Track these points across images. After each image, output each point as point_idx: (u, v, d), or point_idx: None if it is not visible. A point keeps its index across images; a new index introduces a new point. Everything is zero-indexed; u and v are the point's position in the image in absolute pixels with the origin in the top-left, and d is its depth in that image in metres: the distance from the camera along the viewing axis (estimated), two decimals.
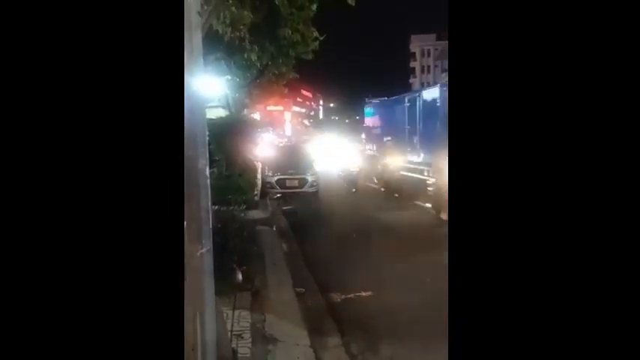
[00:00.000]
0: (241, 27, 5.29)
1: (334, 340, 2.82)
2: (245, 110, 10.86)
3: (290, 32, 8.34)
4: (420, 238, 5.79)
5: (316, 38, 9.41)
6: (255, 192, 8.15)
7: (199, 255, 1.86)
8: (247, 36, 5.53)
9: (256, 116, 13.07)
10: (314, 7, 7.41)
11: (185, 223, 1.85)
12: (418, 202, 8.10)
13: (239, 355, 2.38)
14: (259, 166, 9.56)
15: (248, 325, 2.83)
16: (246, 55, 7.35)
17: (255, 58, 8.17)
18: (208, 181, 1.89)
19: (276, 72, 10.37)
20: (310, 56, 9.75)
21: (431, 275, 4.14)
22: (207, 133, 1.94)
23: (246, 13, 5.04)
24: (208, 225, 1.91)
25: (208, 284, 1.93)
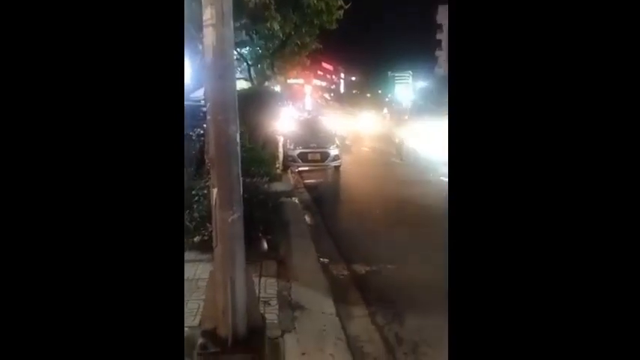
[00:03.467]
0: None
1: (360, 310, 2.83)
2: (267, 82, 10.74)
3: (315, 0, 8.05)
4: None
5: (341, 7, 9.09)
6: (277, 165, 8.18)
7: (230, 221, 1.87)
8: (272, 2, 5.38)
9: (277, 89, 12.95)
10: None
11: (215, 189, 1.86)
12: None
13: (267, 321, 2.42)
14: (281, 139, 9.54)
15: (274, 292, 2.88)
16: (269, 24, 7.19)
17: (278, 27, 7.97)
18: (239, 148, 1.87)
19: (299, 42, 10.13)
20: (334, 25, 9.46)
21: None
22: None
23: None
24: (239, 191, 1.90)
25: (239, 250, 1.94)
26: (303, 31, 9.00)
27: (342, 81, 63.49)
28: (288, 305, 2.71)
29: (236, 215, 1.90)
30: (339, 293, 3.07)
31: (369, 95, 58.21)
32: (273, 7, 5.02)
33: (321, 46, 10.09)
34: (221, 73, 1.74)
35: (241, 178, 1.93)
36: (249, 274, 2.05)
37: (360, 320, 2.71)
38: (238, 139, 1.87)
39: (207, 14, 1.68)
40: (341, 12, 8.54)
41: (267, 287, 2.93)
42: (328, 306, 2.81)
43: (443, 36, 49.46)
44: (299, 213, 5.58)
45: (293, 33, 9.08)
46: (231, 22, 1.75)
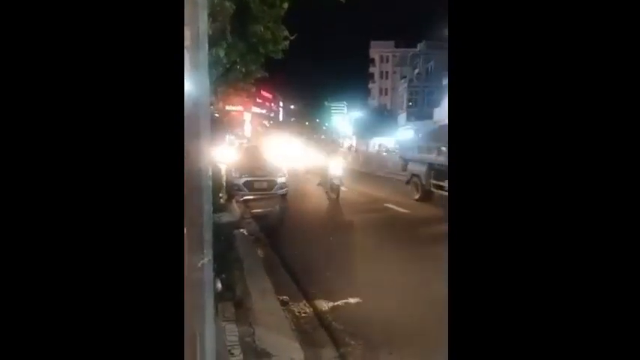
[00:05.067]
0: (220, 19, 4.99)
1: (329, 352, 2.66)
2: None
3: (261, 30, 8.09)
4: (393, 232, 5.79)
5: (287, 37, 9.25)
6: (221, 194, 7.82)
7: (200, 266, 1.64)
8: (229, 27, 5.25)
9: (216, 115, 12.61)
10: (285, 5, 7.26)
11: (185, 229, 1.63)
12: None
13: None
14: (223, 167, 9.20)
15: (236, 338, 2.60)
16: (214, 51, 7.02)
17: (224, 54, 7.84)
18: (210, 182, 1.68)
19: (243, 70, 10.08)
20: (280, 55, 9.57)
21: (415, 276, 4.12)
22: None
23: (228, 4, 4.78)
24: (209, 232, 1.69)
25: (209, 299, 1.71)
26: (249, 59, 8.97)
27: (280, 109, 64.17)
28: (254, 353, 2.45)
29: (206, 259, 1.67)
30: (305, 334, 2.87)
31: (307, 123, 59.37)
32: (228, 33, 4.90)
33: (267, 75, 10.12)
34: (195, 100, 1.57)
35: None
36: (218, 325, 1.81)
37: None
38: (210, 173, 1.67)
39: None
40: (287, 42, 8.69)
41: (228, 333, 2.65)
42: (295, 350, 2.60)
43: (375, 69, 52.61)
44: (250, 246, 5.30)
45: (238, 60, 9.01)
46: (206, 46, 1.59)
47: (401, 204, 8.80)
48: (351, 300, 3.53)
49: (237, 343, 2.54)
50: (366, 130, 39.58)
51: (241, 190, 8.69)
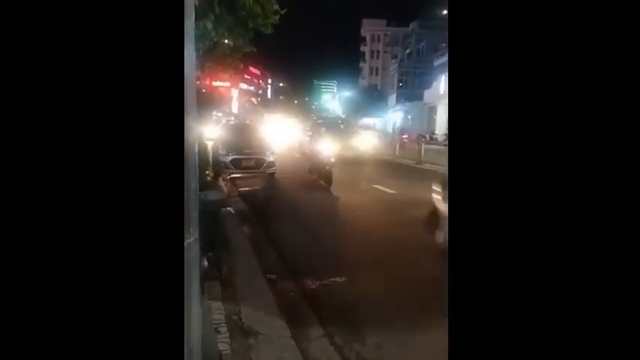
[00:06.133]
0: None
1: (316, 331, 2.68)
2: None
3: (251, 2, 7.80)
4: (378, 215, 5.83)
5: (277, 12, 8.96)
6: (208, 172, 7.72)
7: (187, 245, 1.61)
8: (216, 1, 5.03)
9: (203, 91, 12.31)
10: None
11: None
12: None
13: (220, 352, 2.16)
14: (209, 144, 9.03)
15: (222, 317, 2.60)
16: (201, 24, 6.77)
17: (211, 27, 7.56)
18: (197, 159, 1.63)
19: (232, 45, 9.76)
20: (270, 30, 9.29)
21: (402, 255, 4.17)
22: None
23: None
24: (196, 210, 1.65)
25: (195, 278, 1.68)
26: (237, 33, 8.69)
27: (269, 86, 63.11)
28: (240, 332, 2.46)
29: (192, 238, 1.63)
30: (292, 313, 2.89)
31: (296, 102, 58.66)
32: (216, 5, 4.72)
33: (255, 50, 9.83)
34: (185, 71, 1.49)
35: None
36: (204, 304, 1.79)
37: (318, 342, 2.56)
38: (197, 149, 1.62)
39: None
40: (277, 17, 8.43)
41: (214, 312, 2.64)
42: (282, 329, 2.61)
43: (366, 48, 51.87)
44: (237, 224, 5.27)
45: (226, 34, 8.72)
46: (193, 17, 1.51)
47: None
48: (339, 279, 3.56)
49: (224, 322, 2.54)
50: (356, 110, 39.35)
51: (229, 168, 8.59)
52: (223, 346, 2.25)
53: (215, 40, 8.21)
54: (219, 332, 2.41)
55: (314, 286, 3.43)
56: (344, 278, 3.57)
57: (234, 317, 2.62)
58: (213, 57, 9.52)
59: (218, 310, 2.67)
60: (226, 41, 8.86)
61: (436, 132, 25.61)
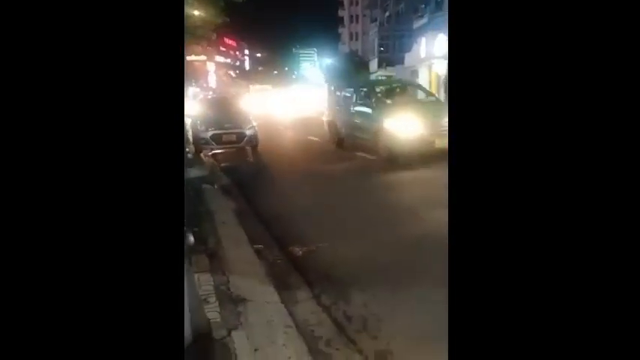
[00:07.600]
0: None
1: (303, 294, 2.77)
2: None
3: None
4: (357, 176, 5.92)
5: None
6: (187, 149, 7.62)
7: None
8: None
9: None
10: None
11: None
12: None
13: (210, 320, 2.23)
14: (188, 120, 8.84)
15: (211, 287, 2.66)
16: None
17: None
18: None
19: (203, 14, 9.38)
20: None
21: (384, 222, 4.27)
22: None
23: None
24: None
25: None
26: (207, 2, 8.34)
27: (247, 58, 61.31)
28: (229, 300, 2.53)
29: None
30: (280, 279, 2.97)
31: (275, 72, 57.33)
32: None
33: (228, 19, 9.48)
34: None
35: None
36: (191, 275, 1.83)
37: (306, 304, 2.66)
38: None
39: None
40: None
41: (203, 283, 2.70)
42: (271, 294, 2.70)
43: (345, 12, 50.44)
44: (221, 199, 5.28)
45: (195, 4, 8.37)
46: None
47: None
48: (324, 244, 3.65)
49: (213, 292, 2.60)
50: (339, 77, 38.77)
51: (209, 144, 8.49)
52: (213, 315, 2.32)
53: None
54: (207, 302, 2.47)
55: (300, 253, 3.52)
56: (328, 243, 3.66)
57: (223, 287, 2.68)
58: (185, 29, 9.17)
59: (207, 282, 2.73)
60: (196, 12, 8.53)
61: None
